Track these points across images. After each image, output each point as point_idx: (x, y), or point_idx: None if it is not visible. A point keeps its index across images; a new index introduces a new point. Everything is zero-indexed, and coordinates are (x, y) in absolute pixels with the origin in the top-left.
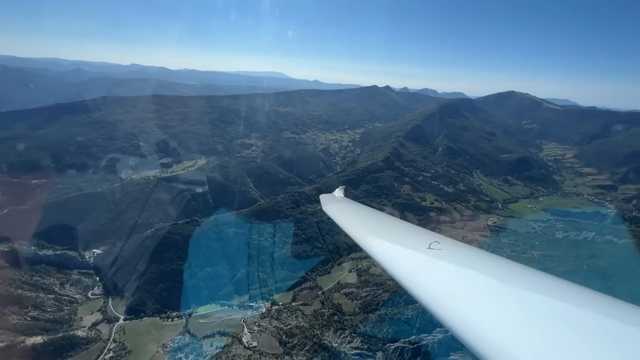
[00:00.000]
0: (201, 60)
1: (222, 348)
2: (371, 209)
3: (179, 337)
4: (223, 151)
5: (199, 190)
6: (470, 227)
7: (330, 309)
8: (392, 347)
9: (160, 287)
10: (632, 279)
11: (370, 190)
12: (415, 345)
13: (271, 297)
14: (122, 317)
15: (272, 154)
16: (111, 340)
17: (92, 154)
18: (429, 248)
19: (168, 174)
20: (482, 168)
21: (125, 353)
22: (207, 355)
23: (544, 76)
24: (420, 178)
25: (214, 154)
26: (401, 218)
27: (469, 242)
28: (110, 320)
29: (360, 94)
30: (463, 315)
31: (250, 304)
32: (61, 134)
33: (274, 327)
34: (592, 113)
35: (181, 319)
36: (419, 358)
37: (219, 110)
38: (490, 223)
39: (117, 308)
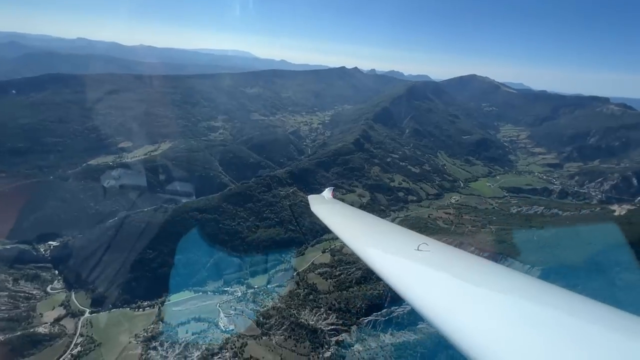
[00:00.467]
0: (158, 36)
1: (199, 334)
2: (360, 210)
3: (153, 326)
4: (188, 134)
5: (164, 176)
6: (436, 206)
7: (306, 288)
8: (366, 320)
9: (128, 277)
10: (573, 247)
11: (341, 172)
12: (387, 318)
13: (246, 281)
14: (87, 310)
15: (241, 137)
16: (77, 334)
17: (38, 138)
18: (418, 250)
19: (129, 159)
20: (446, 149)
21: (95, 346)
22: (183, 342)
23: (502, 60)
24: (389, 159)
25: (179, 137)
26: (371, 199)
27: (434, 220)
28: (75, 314)
29: (328, 75)
30: (451, 316)
31: (225, 288)
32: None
33: (251, 309)
34: (543, 97)
35: (153, 308)
36: (390, 328)
37: (182, 90)
38: (453, 201)
39: (82, 301)
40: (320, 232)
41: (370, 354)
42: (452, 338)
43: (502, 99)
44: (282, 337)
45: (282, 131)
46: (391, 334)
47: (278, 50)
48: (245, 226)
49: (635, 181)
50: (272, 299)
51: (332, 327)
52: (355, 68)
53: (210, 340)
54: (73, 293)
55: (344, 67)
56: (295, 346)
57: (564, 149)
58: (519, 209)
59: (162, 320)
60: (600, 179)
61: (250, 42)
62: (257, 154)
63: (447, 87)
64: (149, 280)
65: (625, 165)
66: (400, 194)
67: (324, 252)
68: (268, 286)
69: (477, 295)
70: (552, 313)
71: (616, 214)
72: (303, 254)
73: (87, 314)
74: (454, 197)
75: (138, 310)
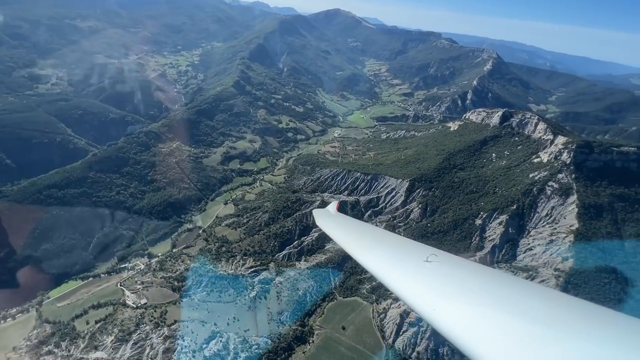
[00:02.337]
0: None
1: (105, 319)
2: (365, 223)
3: (36, 331)
4: (1, 89)
5: None
6: (322, 141)
7: (216, 242)
8: (281, 255)
9: None
10: (428, 159)
11: (227, 119)
12: (299, 248)
13: (147, 252)
14: None
15: (88, 88)
16: None
17: None
18: (427, 261)
19: None
20: (323, 86)
21: None
22: (86, 334)
23: None
24: (272, 101)
25: None
26: (262, 143)
27: (323, 154)
28: None
29: (185, 4)
30: (464, 327)
31: (122, 265)
32: None
33: (161, 278)
34: (395, 32)
35: (28, 312)
36: (303, 256)
37: None
38: (336, 135)
39: None
40: (217, 184)
41: (290, 281)
42: (468, 350)
43: (364, 34)
44: (205, 293)
45: (143, 77)
46: (305, 260)
47: None
48: (128, 194)
49: (460, 102)
50: (182, 261)
51: (252, 269)
52: None
53: (122, 321)
54: None
55: None
56: (220, 296)
57: (413, 79)
58: (388, 135)
59: (47, 321)
60: (438, 103)
61: None
62: (118, 108)
63: (315, 22)
64: (9, 285)
65: (454, 90)
66: (290, 134)
67: (226, 203)
68: (174, 250)
69: (490, 306)
70: (563, 321)
71: (452, 129)
72: (204, 210)
73: None
74: (336, 131)
75: (6, 321)
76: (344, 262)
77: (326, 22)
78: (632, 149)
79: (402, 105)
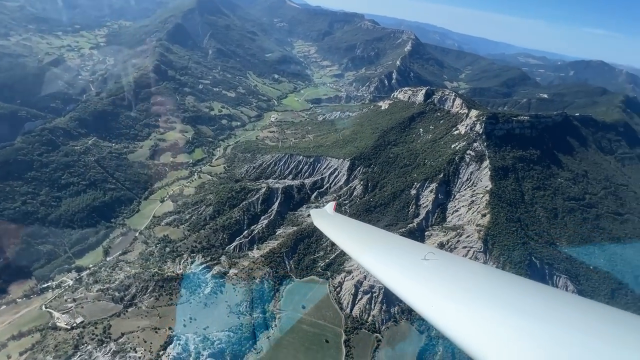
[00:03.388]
0: None
1: (32, 348)
2: (363, 223)
3: None
4: None
5: None
6: (260, 127)
7: (158, 244)
8: (232, 247)
9: None
10: (364, 139)
11: (151, 108)
12: (250, 237)
13: (73, 265)
14: None
15: None
16: None
17: None
18: (425, 259)
19: None
20: (253, 69)
21: None
22: None
23: None
24: (200, 86)
25: None
26: (195, 133)
27: (262, 140)
28: None
29: None
30: (462, 324)
31: (45, 285)
32: None
33: (97, 291)
34: (320, 13)
35: None
36: (254, 244)
37: None
38: (273, 119)
39: None
40: (149, 181)
41: (245, 271)
42: (465, 346)
43: (290, 14)
44: (152, 298)
45: (35, 61)
46: (258, 249)
47: None
48: (38, 203)
49: (386, 82)
50: (120, 269)
51: (203, 265)
52: None
53: (56, 346)
54: None
55: None
56: (171, 299)
57: (342, 60)
58: (324, 117)
59: None
60: (367, 83)
61: None
62: (5, 102)
63: (238, 0)
64: None
65: (380, 70)
66: (224, 121)
67: (163, 201)
68: (108, 259)
69: (487, 302)
70: (559, 317)
71: (383, 108)
72: (138, 210)
73: None
74: (272, 115)
75: None
76: (297, 245)
77: (249, 0)
78: (526, 117)
79: (334, 87)
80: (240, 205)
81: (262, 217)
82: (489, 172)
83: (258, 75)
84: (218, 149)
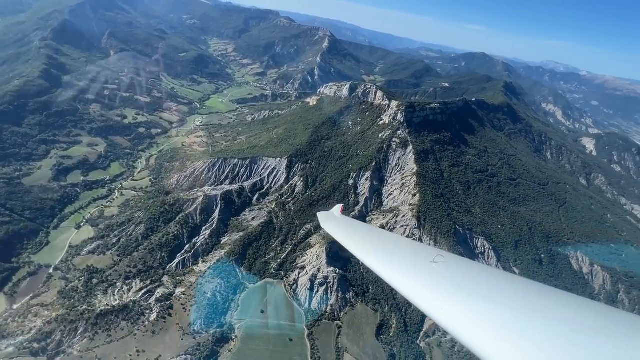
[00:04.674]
0: None
1: None
2: (370, 225)
3: None
4: None
5: None
6: (184, 132)
7: (81, 277)
8: (174, 265)
9: None
10: (299, 135)
11: (45, 121)
12: (192, 251)
13: None
14: None
15: None
16: None
17: None
18: (434, 262)
19: None
20: (168, 70)
21: None
22: None
23: None
24: (106, 92)
25: None
26: (108, 145)
27: (190, 146)
28: None
29: None
30: (472, 327)
31: None
32: None
33: (8, 347)
34: (233, 10)
35: None
36: (199, 257)
37: None
38: (198, 123)
39: None
40: (56, 207)
41: (193, 288)
42: (476, 349)
43: (200, 10)
44: (86, 340)
45: None
46: (203, 261)
47: None
48: None
49: (309, 78)
50: (35, 315)
51: (142, 291)
52: None
53: None
54: None
55: None
56: (110, 335)
57: (263, 58)
58: (253, 117)
59: None
60: (291, 80)
61: None
62: None
63: None
64: None
65: (302, 67)
66: (142, 130)
67: (79, 227)
68: (15, 307)
69: (498, 307)
70: (571, 320)
71: (311, 104)
72: (47, 243)
73: None
74: (197, 119)
75: None
76: (246, 250)
77: None
78: (437, 105)
79: (258, 86)
80: (177, 218)
81: (204, 228)
82: (413, 156)
83: (174, 76)
84: (139, 160)
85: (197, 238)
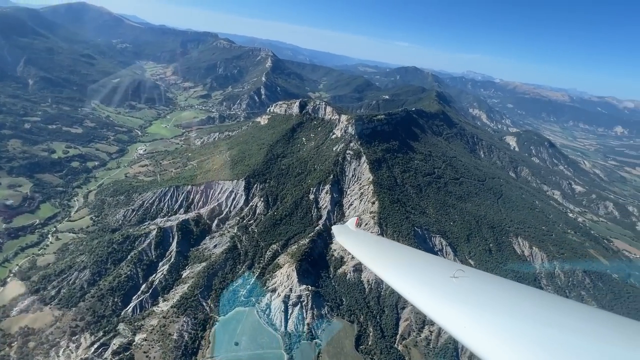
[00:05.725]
0: None
1: None
2: (386, 239)
3: None
4: None
5: None
6: (127, 162)
7: (14, 342)
8: (130, 309)
9: None
10: (256, 154)
11: None
12: (150, 290)
13: None
14: None
15: None
16: None
17: None
18: (454, 277)
19: None
20: (100, 97)
21: None
22: None
23: None
24: (27, 126)
25: None
26: (35, 185)
27: (135, 177)
28: None
29: None
30: (497, 345)
31: None
32: None
33: None
34: (169, 32)
35: None
36: (158, 296)
37: None
38: (142, 152)
39: None
40: None
41: (156, 331)
42: None
43: (131, 34)
44: None
45: None
46: (164, 300)
47: None
48: None
49: (257, 98)
50: None
51: (95, 345)
52: None
53: None
54: None
55: None
56: None
57: (205, 80)
58: (202, 140)
59: None
60: (238, 101)
61: None
62: None
63: (55, 18)
64: None
65: (248, 88)
66: (75, 164)
67: (4, 283)
68: None
69: (524, 323)
70: (602, 337)
71: (262, 123)
72: None
73: None
74: (139, 148)
75: None
76: (211, 281)
77: (72, 19)
78: (383, 116)
79: (203, 108)
80: (129, 257)
81: (161, 263)
82: (368, 166)
83: (108, 104)
84: (75, 198)
85: (154, 275)
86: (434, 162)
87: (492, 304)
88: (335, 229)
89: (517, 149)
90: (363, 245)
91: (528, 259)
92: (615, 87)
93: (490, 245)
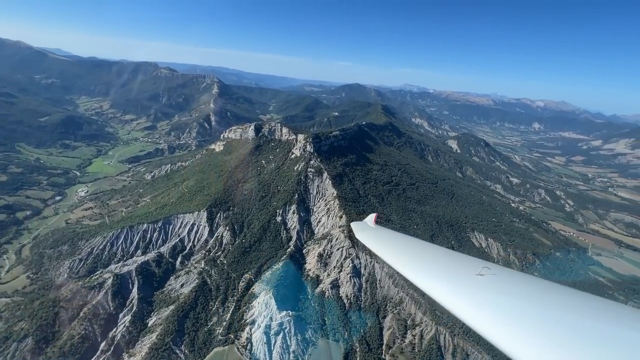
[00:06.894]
0: None
1: None
2: (407, 235)
3: None
4: None
5: None
6: (66, 207)
7: None
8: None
9: None
10: (214, 183)
11: None
12: (111, 347)
13: None
14: None
15: None
16: None
17: None
18: (480, 274)
19: None
20: (26, 139)
21: None
22: None
23: (31, 23)
24: None
25: None
26: None
27: (79, 222)
28: None
29: None
30: (529, 345)
31: None
32: None
33: None
34: (101, 64)
35: None
36: (123, 353)
37: None
38: (83, 194)
39: None
40: None
41: None
42: None
43: (57, 68)
44: None
45: None
46: (129, 356)
47: None
48: None
49: (207, 125)
50: None
51: None
52: None
53: None
54: None
55: None
56: None
57: (149, 111)
58: (153, 174)
59: None
60: (187, 130)
61: None
62: None
63: None
64: None
65: (196, 115)
66: (1, 216)
67: None
68: None
69: (554, 322)
70: (629, 333)
71: (217, 150)
72: None
73: None
74: (80, 189)
75: None
76: (183, 324)
77: None
78: (338, 132)
79: (150, 140)
80: (81, 314)
81: (121, 315)
82: (330, 181)
83: (36, 145)
84: (5, 256)
85: (114, 330)
86: (390, 171)
87: (522, 302)
88: (354, 226)
89: (458, 150)
90: (384, 242)
91: (486, 250)
92: (527, 89)
93: (452, 242)
